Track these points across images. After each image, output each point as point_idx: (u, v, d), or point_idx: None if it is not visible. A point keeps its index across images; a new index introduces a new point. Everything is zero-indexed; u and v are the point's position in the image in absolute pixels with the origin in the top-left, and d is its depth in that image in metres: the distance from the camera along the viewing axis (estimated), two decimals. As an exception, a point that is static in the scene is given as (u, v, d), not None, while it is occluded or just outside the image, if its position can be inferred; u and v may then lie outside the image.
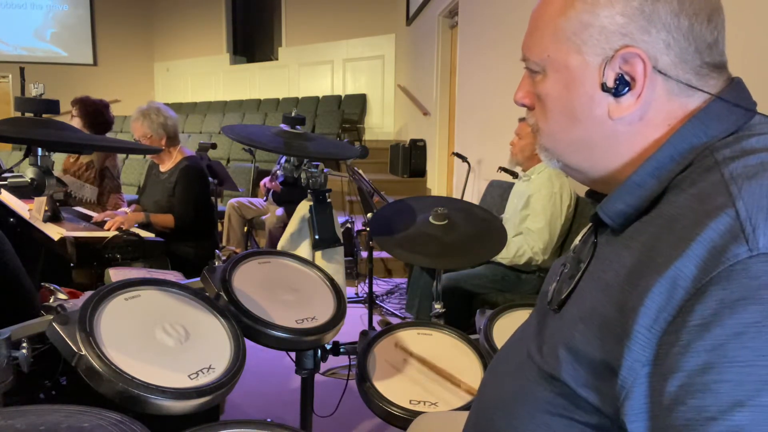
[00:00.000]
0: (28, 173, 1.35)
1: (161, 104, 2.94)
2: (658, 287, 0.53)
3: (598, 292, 0.61)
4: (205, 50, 11.00)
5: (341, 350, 1.56)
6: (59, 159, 3.07)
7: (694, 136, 0.61)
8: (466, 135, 5.16)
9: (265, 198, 4.76)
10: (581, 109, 0.66)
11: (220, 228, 4.58)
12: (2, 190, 1.37)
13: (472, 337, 1.54)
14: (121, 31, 11.34)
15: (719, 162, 0.57)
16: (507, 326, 1.52)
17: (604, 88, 0.64)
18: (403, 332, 1.56)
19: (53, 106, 1.35)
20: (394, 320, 3.61)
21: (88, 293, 1.10)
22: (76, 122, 3.06)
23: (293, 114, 1.61)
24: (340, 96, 9.16)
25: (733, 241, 0.50)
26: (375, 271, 3.82)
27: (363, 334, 1.53)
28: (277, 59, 10.16)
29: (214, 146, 4.12)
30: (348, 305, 1.49)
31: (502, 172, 3.17)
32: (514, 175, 3.03)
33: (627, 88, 0.63)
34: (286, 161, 1.69)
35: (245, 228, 4.80)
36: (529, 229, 2.57)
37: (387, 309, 3.84)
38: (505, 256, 2.56)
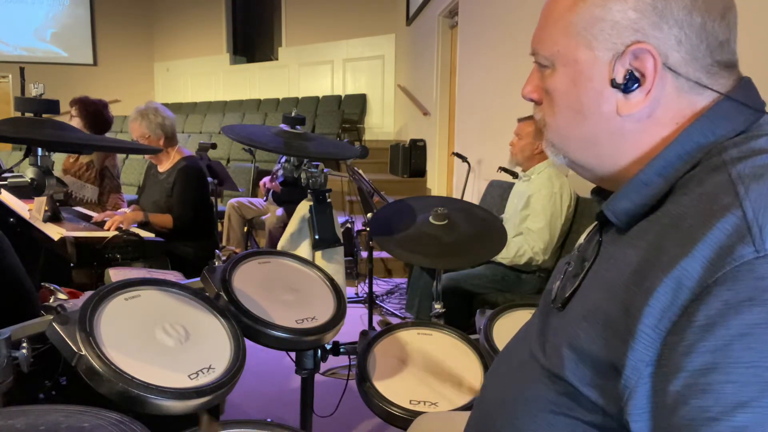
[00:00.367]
0: (28, 173, 1.35)
1: (159, 104, 2.94)
2: (663, 287, 0.52)
3: (602, 290, 0.61)
4: (205, 50, 11.00)
5: (341, 350, 1.55)
6: (59, 159, 3.06)
7: (702, 135, 0.61)
8: (466, 135, 5.16)
9: (265, 198, 4.76)
10: (589, 104, 0.66)
11: (220, 228, 4.58)
12: (2, 190, 1.37)
13: (472, 337, 1.54)
14: (121, 31, 11.34)
15: (727, 162, 0.57)
16: (507, 326, 1.51)
17: (614, 83, 0.63)
18: (403, 332, 1.56)
19: (53, 106, 1.35)
20: (394, 320, 3.61)
21: (88, 293, 1.10)
22: (75, 122, 3.06)
23: (293, 114, 1.61)
24: (340, 96, 9.16)
25: (740, 242, 0.50)
26: (375, 271, 3.82)
27: (363, 334, 1.53)
28: (277, 59, 10.16)
29: (214, 146, 4.12)
30: (348, 305, 1.49)
31: (502, 172, 3.17)
32: (514, 175, 3.03)
33: (636, 85, 0.62)
34: (286, 161, 1.69)
35: (245, 228, 4.79)
36: (530, 229, 2.57)
37: (387, 309, 3.83)
38: (505, 256, 2.56)
